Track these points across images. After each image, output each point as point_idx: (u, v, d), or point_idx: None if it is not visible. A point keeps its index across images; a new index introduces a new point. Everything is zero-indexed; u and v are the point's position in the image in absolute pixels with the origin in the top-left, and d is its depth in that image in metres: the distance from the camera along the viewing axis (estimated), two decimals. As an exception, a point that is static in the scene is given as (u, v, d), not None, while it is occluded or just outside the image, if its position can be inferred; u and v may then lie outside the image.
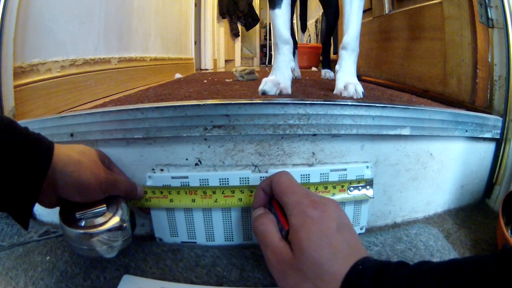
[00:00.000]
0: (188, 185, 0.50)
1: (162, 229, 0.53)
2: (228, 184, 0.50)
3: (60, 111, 0.81)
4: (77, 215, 0.38)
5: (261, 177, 0.50)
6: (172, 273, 0.46)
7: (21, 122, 0.60)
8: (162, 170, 0.53)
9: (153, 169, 0.53)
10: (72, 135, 0.52)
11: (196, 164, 0.53)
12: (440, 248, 0.51)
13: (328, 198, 0.36)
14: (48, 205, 0.38)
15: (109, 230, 0.38)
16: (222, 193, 0.48)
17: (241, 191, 0.48)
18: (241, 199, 0.48)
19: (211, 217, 0.51)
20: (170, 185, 0.50)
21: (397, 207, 0.59)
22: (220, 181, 0.50)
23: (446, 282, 0.25)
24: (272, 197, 0.41)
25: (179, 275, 0.45)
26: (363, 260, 0.30)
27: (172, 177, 0.50)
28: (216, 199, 0.48)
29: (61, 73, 0.84)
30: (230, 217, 0.51)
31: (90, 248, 0.37)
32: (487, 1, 0.67)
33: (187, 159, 0.52)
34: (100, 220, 0.38)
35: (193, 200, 0.48)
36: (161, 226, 0.53)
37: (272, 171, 0.50)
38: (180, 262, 0.48)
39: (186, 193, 0.48)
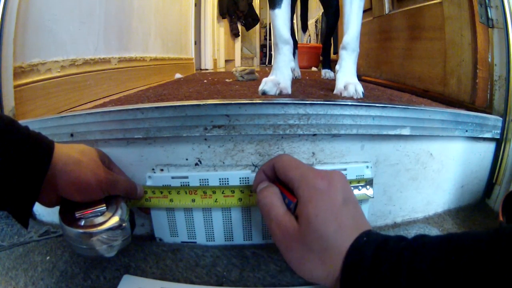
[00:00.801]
0: (188, 185, 0.50)
1: (162, 229, 0.53)
2: (228, 184, 0.50)
3: (60, 111, 0.81)
4: (76, 215, 0.38)
5: None
6: (172, 273, 0.46)
7: (21, 122, 0.59)
8: (162, 170, 0.53)
9: (153, 169, 0.53)
10: (72, 135, 0.52)
11: (196, 164, 0.53)
12: (440, 248, 0.51)
13: (333, 170, 0.36)
14: (48, 204, 0.38)
15: (109, 229, 0.38)
16: (222, 193, 0.48)
17: (241, 191, 0.48)
18: (241, 199, 0.48)
19: (211, 217, 0.51)
20: (170, 185, 0.50)
21: (397, 207, 0.59)
22: (220, 181, 0.50)
23: (444, 254, 0.25)
24: (273, 181, 0.41)
25: (179, 275, 0.45)
26: (366, 233, 0.31)
27: (172, 177, 0.50)
28: (216, 199, 0.48)
29: (61, 73, 0.84)
30: (230, 217, 0.51)
31: (89, 248, 0.37)
32: (487, 1, 0.67)
33: (187, 159, 0.52)
34: (99, 219, 0.38)
35: (193, 200, 0.48)
36: (161, 226, 0.53)
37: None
38: (180, 262, 0.48)
39: (186, 193, 0.48)
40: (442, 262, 0.25)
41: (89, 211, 0.38)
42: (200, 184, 0.50)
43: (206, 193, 0.48)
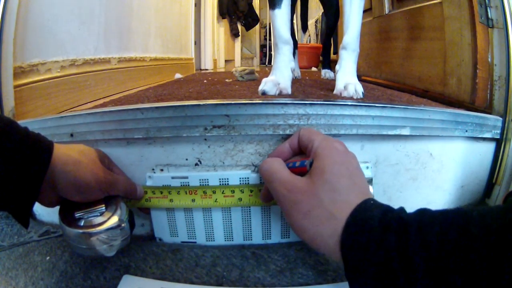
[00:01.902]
0: (188, 185, 0.50)
1: (162, 229, 0.53)
2: (228, 184, 0.50)
3: (60, 111, 0.81)
4: (76, 215, 0.38)
5: (261, 177, 0.50)
6: (172, 273, 0.46)
7: (21, 122, 0.60)
8: (162, 170, 0.53)
9: (153, 169, 0.53)
10: (72, 135, 0.52)
11: (196, 164, 0.53)
12: (440, 248, 0.51)
13: None
14: (48, 204, 0.38)
15: (108, 229, 0.38)
16: (222, 192, 0.48)
17: (241, 190, 0.48)
18: (241, 199, 0.48)
19: (211, 217, 0.51)
20: (170, 185, 0.50)
21: (397, 207, 0.59)
22: (220, 181, 0.50)
23: (451, 224, 0.25)
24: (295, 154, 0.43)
25: (179, 275, 0.45)
26: (372, 199, 0.32)
27: (172, 177, 0.50)
28: (216, 199, 0.48)
29: (61, 73, 0.84)
30: (230, 217, 0.51)
31: (89, 247, 0.37)
32: (487, 1, 0.67)
33: (187, 159, 0.52)
34: (99, 219, 0.38)
35: (193, 200, 0.48)
36: (161, 226, 0.53)
37: None
38: (180, 262, 0.48)
39: (186, 193, 0.48)
40: (453, 231, 0.25)
41: (88, 211, 0.39)
42: (200, 184, 0.50)
43: (206, 193, 0.48)
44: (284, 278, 0.45)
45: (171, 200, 0.48)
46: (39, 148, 0.34)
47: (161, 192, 0.48)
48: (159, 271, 0.46)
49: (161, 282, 0.44)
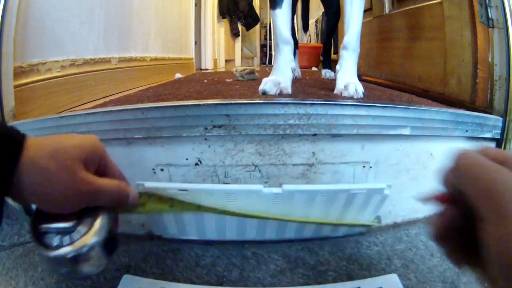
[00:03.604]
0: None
1: (161, 224, 0.50)
2: (235, 199, 0.45)
3: (60, 111, 0.81)
4: (41, 228, 0.30)
5: (274, 194, 0.45)
6: (172, 273, 0.46)
7: (21, 122, 0.60)
8: (162, 170, 0.53)
9: (153, 169, 0.53)
10: (72, 135, 0.52)
11: (196, 164, 0.53)
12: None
13: None
14: (25, 203, 0.33)
15: (74, 254, 0.30)
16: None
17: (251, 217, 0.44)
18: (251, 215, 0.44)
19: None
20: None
21: (397, 207, 0.59)
22: (226, 197, 0.45)
23: None
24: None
25: (179, 275, 0.45)
26: None
27: (167, 189, 0.43)
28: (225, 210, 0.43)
29: (61, 73, 0.84)
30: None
31: (52, 269, 0.32)
32: (487, 1, 0.67)
33: (187, 159, 0.52)
34: (65, 239, 0.30)
35: (199, 207, 0.42)
36: (159, 222, 0.50)
37: (284, 187, 0.45)
38: (180, 262, 0.48)
39: (191, 204, 0.42)
40: None
41: (54, 227, 0.30)
42: (202, 199, 0.44)
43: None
44: (284, 278, 0.45)
45: (171, 206, 0.41)
46: (4, 151, 0.28)
47: (160, 198, 0.41)
48: (159, 271, 0.46)
49: (161, 282, 0.44)
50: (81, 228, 0.31)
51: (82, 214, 0.31)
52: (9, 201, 0.31)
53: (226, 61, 3.59)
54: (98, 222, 0.32)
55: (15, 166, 0.28)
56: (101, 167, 0.35)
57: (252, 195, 0.45)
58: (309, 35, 3.37)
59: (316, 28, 3.20)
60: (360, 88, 0.69)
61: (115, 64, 1.13)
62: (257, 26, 4.42)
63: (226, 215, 0.43)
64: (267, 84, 0.69)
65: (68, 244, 0.30)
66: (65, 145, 0.32)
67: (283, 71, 0.73)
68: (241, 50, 4.58)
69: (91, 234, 0.31)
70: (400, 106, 0.54)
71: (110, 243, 0.32)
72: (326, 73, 1.37)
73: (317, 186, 0.49)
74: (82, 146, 0.33)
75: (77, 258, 0.30)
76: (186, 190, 0.42)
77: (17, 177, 0.28)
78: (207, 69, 2.74)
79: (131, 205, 0.37)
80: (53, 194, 0.29)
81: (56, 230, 0.30)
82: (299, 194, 0.46)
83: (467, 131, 0.58)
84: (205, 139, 0.52)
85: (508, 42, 0.62)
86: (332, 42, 1.72)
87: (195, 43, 2.40)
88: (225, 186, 0.47)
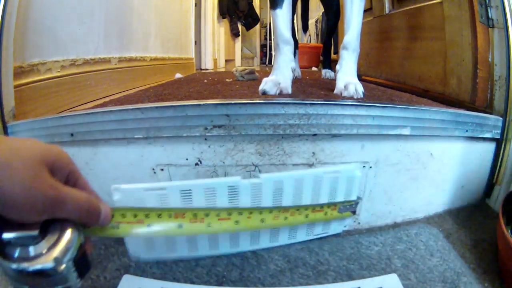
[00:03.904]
0: (167, 197, 0.42)
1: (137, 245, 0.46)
2: (215, 194, 0.44)
3: (60, 111, 0.81)
4: (4, 237, 0.27)
5: (252, 184, 0.45)
6: (172, 273, 0.46)
7: (21, 122, 0.60)
8: (162, 170, 0.53)
9: (153, 169, 0.53)
10: (72, 135, 0.52)
11: (196, 164, 0.53)
12: (440, 248, 0.51)
13: None
14: None
15: (36, 269, 0.26)
16: (217, 215, 0.39)
17: (239, 213, 0.41)
18: (238, 221, 0.41)
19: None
20: (144, 200, 0.41)
21: (397, 207, 0.59)
22: (206, 193, 0.43)
23: None
24: None
25: (179, 275, 0.45)
26: None
27: (145, 190, 0.41)
28: (210, 223, 0.39)
29: (61, 73, 0.84)
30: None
31: (14, 281, 0.27)
32: (487, 1, 0.67)
33: (187, 159, 0.52)
34: (29, 251, 0.26)
35: (180, 226, 0.37)
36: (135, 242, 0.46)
37: (262, 176, 0.46)
38: (180, 262, 0.48)
39: (170, 217, 0.36)
40: None
41: (16, 235, 0.27)
42: (182, 196, 0.43)
43: (196, 216, 0.38)
44: (284, 278, 0.45)
45: (148, 226, 0.35)
46: None
47: (135, 216, 0.34)
48: (159, 271, 0.46)
49: (161, 282, 0.44)
50: (47, 242, 0.27)
51: (49, 228, 0.28)
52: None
53: (226, 61, 3.59)
54: (66, 237, 0.28)
55: None
56: (70, 180, 0.31)
57: (231, 188, 0.44)
58: (309, 35, 3.37)
59: (316, 28, 3.20)
60: (360, 88, 0.69)
61: (115, 64, 1.14)
62: (257, 26, 4.42)
63: (211, 233, 0.41)
64: (267, 84, 0.69)
65: (31, 258, 0.26)
66: (30, 145, 0.28)
67: (283, 71, 0.73)
68: (241, 50, 4.58)
69: (58, 249, 0.27)
70: (400, 106, 0.54)
71: (80, 263, 0.28)
72: (326, 73, 1.37)
73: (293, 172, 0.50)
74: (48, 151, 0.29)
75: (40, 274, 0.26)
76: (164, 189, 0.41)
77: None
78: (207, 69, 2.74)
79: (103, 224, 0.32)
80: (14, 195, 0.26)
81: (18, 239, 0.27)
82: (278, 182, 0.47)
83: (467, 131, 0.58)
84: (205, 139, 0.52)
85: (508, 42, 0.62)
86: (332, 42, 1.72)
87: (195, 43, 2.40)
88: (203, 181, 0.45)
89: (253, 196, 0.46)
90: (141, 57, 1.38)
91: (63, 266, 0.27)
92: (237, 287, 0.44)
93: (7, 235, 0.26)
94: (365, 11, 0.78)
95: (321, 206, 0.49)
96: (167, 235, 0.38)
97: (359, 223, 0.58)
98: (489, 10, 0.67)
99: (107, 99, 0.91)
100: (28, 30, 0.72)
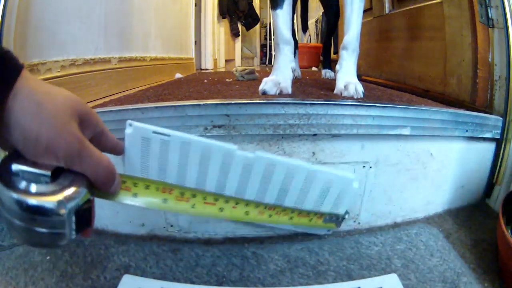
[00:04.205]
0: (168, 145, 0.42)
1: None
2: (209, 157, 0.44)
3: (60, 111, 0.81)
4: (12, 167, 0.26)
5: (245, 158, 0.44)
6: (172, 273, 0.46)
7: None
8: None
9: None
10: (72, 135, 0.52)
11: (196, 164, 0.53)
12: (440, 248, 0.51)
13: None
14: (5, 145, 0.28)
15: (37, 207, 0.25)
16: (204, 199, 0.39)
17: (225, 201, 0.41)
18: (222, 209, 0.40)
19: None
20: (149, 141, 0.42)
21: (397, 207, 0.59)
22: (202, 152, 0.43)
23: None
24: None
25: (179, 275, 0.45)
26: None
27: (153, 131, 0.41)
28: (194, 205, 0.38)
29: (61, 73, 0.84)
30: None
31: (6, 215, 0.26)
32: (487, 1, 0.67)
33: (187, 159, 0.52)
34: (32, 187, 0.26)
35: (165, 201, 0.37)
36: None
37: (256, 153, 0.44)
38: (180, 262, 0.48)
39: (157, 190, 0.37)
40: None
41: (28, 169, 0.26)
42: (181, 149, 0.43)
43: (183, 195, 0.38)
44: (284, 278, 0.45)
45: (134, 195, 0.35)
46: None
47: (124, 182, 0.34)
48: (159, 271, 0.46)
49: (161, 282, 0.44)
50: (55, 186, 0.27)
51: (61, 174, 0.28)
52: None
53: (226, 61, 3.59)
54: (76, 187, 0.28)
55: (10, 89, 0.25)
56: (98, 139, 0.32)
57: (226, 154, 0.44)
58: (309, 35, 3.37)
59: (316, 28, 3.20)
60: (360, 88, 0.69)
61: (115, 64, 1.14)
62: (257, 26, 4.42)
63: (193, 214, 0.39)
64: (267, 84, 0.69)
65: (35, 193, 0.26)
66: (66, 94, 0.29)
67: (283, 71, 0.73)
68: (241, 50, 4.58)
69: (64, 194, 0.27)
70: (400, 106, 0.54)
71: (82, 217, 0.28)
72: (326, 73, 1.37)
73: (287, 159, 0.47)
74: (82, 105, 0.30)
75: (38, 212, 0.25)
76: (169, 135, 0.42)
77: (8, 103, 0.25)
78: (207, 69, 2.74)
79: (113, 192, 0.33)
80: (38, 135, 0.26)
81: (27, 173, 0.26)
82: (270, 164, 0.45)
83: (467, 131, 0.58)
84: (205, 139, 0.52)
85: (508, 42, 0.62)
86: (332, 42, 1.72)
87: (195, 43, 2.40)
88: (204, 139, 0.43)
89: (243, 172, 0.45)
90: (141, 57, 1.38)
91: (63, 211, 0.26)
92: (237, 287, 0.44)
93: (17, 166, 0.26)
94: (365, 11, 0.78)
95: (308, 212, 0.47)
96: (149, 208, 0.37)
97: (359, 223, 0.58)
98: (489, 10, 0.67)
99: (107, 99, 0.91)
100: (28, 30, 0.72)
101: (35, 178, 0.26)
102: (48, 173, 0.27)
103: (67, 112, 0.28)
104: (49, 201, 0.26)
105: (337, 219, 0.50)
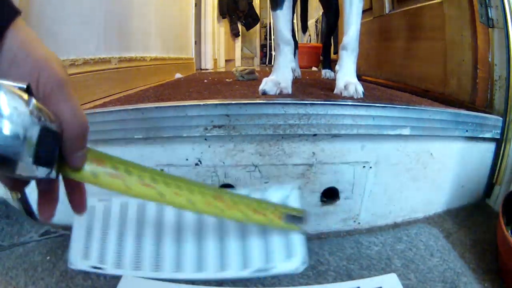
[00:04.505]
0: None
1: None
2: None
3: (60, 111, 0.81)
4: None
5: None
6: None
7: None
8: (162, 170, 0.53)
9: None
10: (72, 135, 0.52)
11: (196, 164, 0.53)
12: (440, 248, 0.51)
13: None
14: None
15: None
16: (139, 177, 0.32)
17: (165, 183, 0.33)
18: (162, 194, 0.33)
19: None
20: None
21: (397, 207, 0.59)
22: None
23: None
24: None
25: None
26: None
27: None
28: (162, 193, 0.33)
29: (61, 73, 0.84)
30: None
31: None
32: (487, 1, 0.67)
33: (187, 159, 0.52)
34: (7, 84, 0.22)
35: (95, 175, 0.30)
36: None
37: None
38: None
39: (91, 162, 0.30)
40: None
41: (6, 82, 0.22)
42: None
43: (117, 169, 0.31)
44: (284, 278, 0.45)
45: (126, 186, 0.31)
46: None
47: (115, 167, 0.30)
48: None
49: (160, 282, 0.44)
50: (29, 97, 0.23)
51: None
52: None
53: (226, 61, 3.59)
54: (45, 109, 0.24)
55: (8, 24, 0.25)
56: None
57: None
58: (309, 35, 3.37)
59: (316, 28, 3.20)
60: (360, 88, 0.69)
61: (115, 64, 1.13)
62: (257, 26, 4.42)
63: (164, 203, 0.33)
64: (267, 84, 0.69)
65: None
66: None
67: (284, 71, 0.73)
68: (241, 50, 4.58)
69: (28, 112, 0.22)
70: (400, 106, 0.54)
71: (43, 145, 0.23)
72: (326, 73, 1.37)
73: None
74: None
75: None
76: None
77: (5, 38, 0.25)
78: (207, 69, 2.74)
79: (79, 157, 0.28)
80: (28, 53, 0.26)
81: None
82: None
83: (467, 131, 0.59)
84: (205, 139, 0.52)
85: (508, 42, 0.62)
86: (332, 42, 1.72)
87: (195, 43, 2.40)
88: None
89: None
90: (141, 57, 1.38)
91: (6, 123, 0.21)
92: (237, 287, 0.43)
93: None
94: (365, 11, 0.78)
95: (264, 208, 0.39)
96: (114, 190, 0.31)
97: (359, 223, 0.58)
98: (489, 10, 0.67)
99: (107, 99, 0.91)
100: (28, 30, 0.72)
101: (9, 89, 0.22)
102: (24, 85, 0.23)
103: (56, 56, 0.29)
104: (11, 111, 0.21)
105: (299, 217, 0.41)
